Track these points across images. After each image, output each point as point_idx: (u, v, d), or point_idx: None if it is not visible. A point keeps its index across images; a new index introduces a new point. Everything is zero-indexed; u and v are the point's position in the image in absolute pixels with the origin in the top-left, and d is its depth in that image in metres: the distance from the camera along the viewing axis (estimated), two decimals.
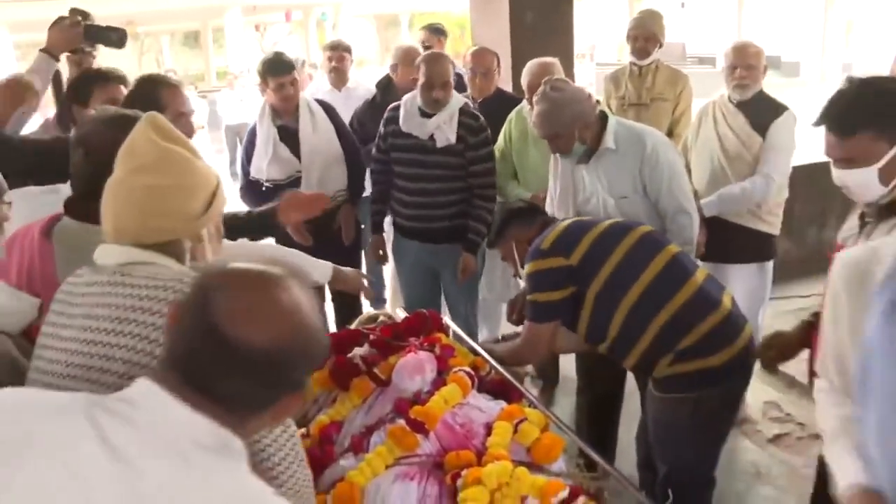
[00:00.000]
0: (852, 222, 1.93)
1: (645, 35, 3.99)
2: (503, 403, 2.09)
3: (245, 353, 0.99)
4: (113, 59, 3.32)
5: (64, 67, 3.01)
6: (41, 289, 1.68)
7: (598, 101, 2.80)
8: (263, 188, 3.64)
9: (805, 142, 3.26)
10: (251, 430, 1.10)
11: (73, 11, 2.87)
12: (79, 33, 2.83)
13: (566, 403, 3.60)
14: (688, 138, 3.58)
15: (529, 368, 3.83)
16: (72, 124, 2.75)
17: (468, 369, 2.17)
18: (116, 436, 0.95)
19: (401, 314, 2.66)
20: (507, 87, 4.18)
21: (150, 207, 1.34)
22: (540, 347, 2.41)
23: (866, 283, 1.35)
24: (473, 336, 3.24)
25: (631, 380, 2.81)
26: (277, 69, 3.51)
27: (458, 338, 2.50)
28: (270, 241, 3.66)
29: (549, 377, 3.88)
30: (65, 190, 1.82)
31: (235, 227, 2.15)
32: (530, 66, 3.48)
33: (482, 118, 3.40)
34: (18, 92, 2.65)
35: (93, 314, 1.30)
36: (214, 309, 0.99)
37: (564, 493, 1.71)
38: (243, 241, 2.34)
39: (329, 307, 3.83)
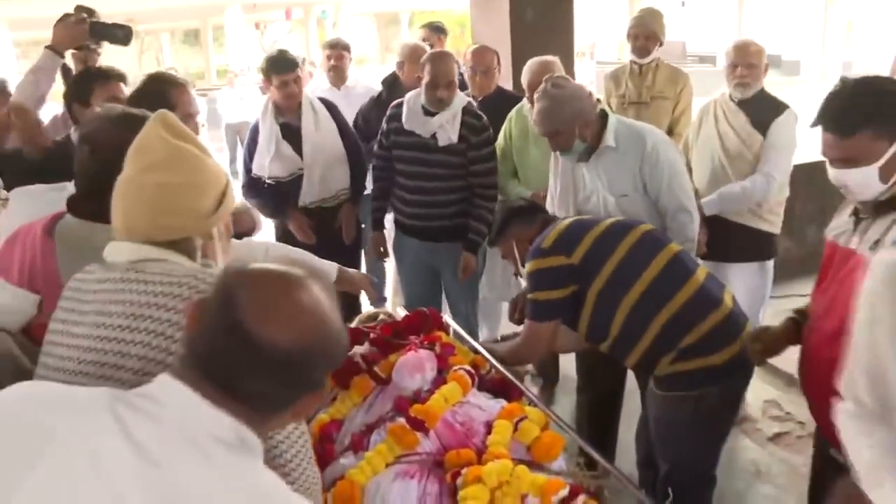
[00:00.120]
0: (843, 218, 1.93)
1: (645, 33, 3.99)
2: (503, 402, 2.09)
3: (268, 353, 0.99)
4: (113, 57, 3.32)
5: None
6: (43, 286, 1.68)
7: (598, 100, 2.79)
8: (265, 185, 3.64)
9: (806, 140, 3.26)
10: (270, 428, 1.12)
11: (79, 8, 2.87)
12: (84, 30, 2.83)
13: (566, 402, 3.60)
14: (689, 137, 3.58)
15: (529, 367, 3.83)
16: (73, 123, 2.75)
17: (468, 368, 2.17)
18: (139, 431, 0.96)
19: (400, 312, 2.67)
20: (508, 85, 4.18)
21: (160, 205, 1.34)
22: (540, 346, 2.41)
23: None
24: (474, 335, 3.24)
25: (631, 378, 2.81)
26: (281, 66, 3.52)
27: (458, 336, 2.50)
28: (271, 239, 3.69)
29: (549, 376, 3.88)
30: (71, 188, 1.82)
31: None
32: (531, 64, 3.48)
33: (485, 118, 3.40)
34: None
35: (106, 311, 1.30)
36: (239, 308, 1.00)
37: (565, 492, 1.71)
38: (248, 240, 2.35)
39: None
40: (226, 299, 1.01)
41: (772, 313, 3.66)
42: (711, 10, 24.01)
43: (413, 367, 2.08)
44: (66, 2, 2.96)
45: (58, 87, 2.88)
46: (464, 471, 1.75)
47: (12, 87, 3.22)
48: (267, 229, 3.85)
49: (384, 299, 4.60)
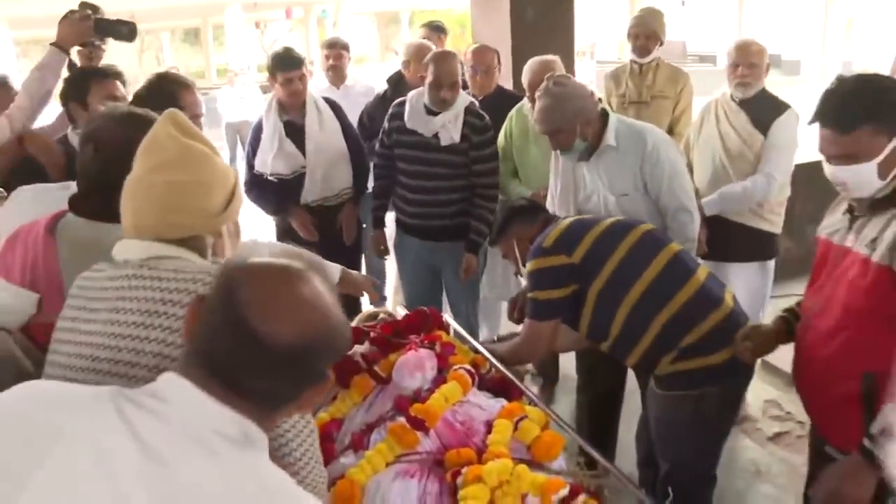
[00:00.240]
0: (836, 217, 1.93)
1: (646, 33, 3.99)
2: (503, 401, 2.09)
3: (272, 348, 0.99)
4: (113, 56, 3.32)
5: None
6: (44, 285, 1.67)
7: (599, 99, 2.79)
8: (268, 182, 3.64)
9: (806, 140, 3.26)
10: (275, 422, 1.12)
11: (83, 5, 2.87)
12: (89, 27, 2.82)
13: (566, 401, 3.60)
14: (690, 137, 3.58)
15: (529, 366, 3.83)
16: (70, 122, 2.75)
17: (468, 367, 2.17)
18: (145, 429, 0.96)
19: (401, 311, 2.67)
20: (508, 84, 4.18)
21: (170, 203, 1.34)
22: (540, 346, 2.41)
23: None
24: (474, 334, 3.24)
25: (631, 378, 2.81)
26: (286, 64, 3.52)
27: (458, 336, 2.50)
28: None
29: (549, 375, 3.88)
30: (75, 187, 1.82)
31: None
32: (531, 64, 3.48)
33: (487, 118, 3.40)
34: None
35: (119, 308, 1.30)
36: (241, 304, 1.00)
37: (565, 491, 1.71)
38: (254, 240, 2.36)
39: None
40: (227, 296, 1.01)
41: (772, 313, 3.64)
42: (712, 9, 24.01)
43: (413, 366, 2.08)
44: (66, 1, 2.96)
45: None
46: (464, 470, 1.75)
47: (13, 84, 3.24)
48: (268, 229, 3.87)
49: (384, 298, 4.60)
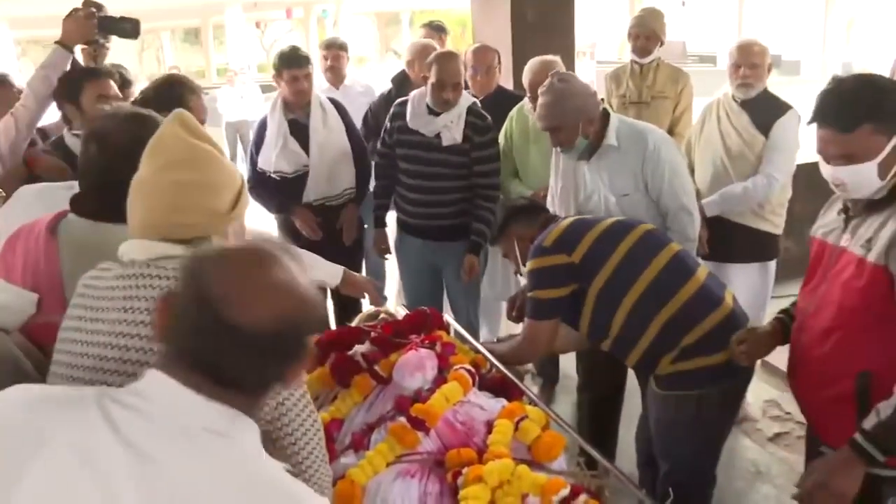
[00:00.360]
0: (831, 216, 1.92)
1: (646, 33, 3.99)
2: (504, 401, 2.09)
3: (249, 335, 0.99)
4: (112, 56, 3.32)
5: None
6: (45, 286, 1.67)
7: (602, 99, 2.80)
8: (271, 180, 3.64)
9: (808, 141, 3.26)
10: (263, 404, 1.12)
11: (87, 3, 2.87)
12: (93, 25, 2.83)
13: (566, 401, 3.61)
14: (691, 137, 3.58)
15: (530, 366, 3.84)
16: (65, 123, 2.75)
17: (469, 367, 2.17)
18: (131, 428, 0.96)
19: (401, 311, 2.67)
20: (508, 84, 4.18)
21: (177, 203, 1.34)
22: (540, 345, 2.41)
23: None
24: (475, 334, 3.24)
25: (632, 378, 2.81)
26: (293, 62, 3.53)
27: (459, 335, 2.51)
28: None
29: (549, 375, 3.88)
30: (77, 187, 1.82)
31: None
32: (532, 64, 3.47)
33: (489, 118, 3.40)
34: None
35: (126, 307, 1.31)
36: (213, 295, 0.99)
37: (566, 492, 1.72)
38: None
39: (329, 304, 3.84)
40: (197, 289, 1.01)
41: (773, 313, 3.65)
42: (712, 9, 24.00)
43: (414, 366, 2.08)
44: (67, 1, 2.96)
45: None
46: (464, 470, 1.76)
47: (14, 82, 3.23)
48: (269, 229, 3.86)
49: (385, 298, 4.60)
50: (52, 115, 2.85)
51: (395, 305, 3.61)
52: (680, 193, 2.72)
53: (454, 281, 3.57)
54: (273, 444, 1.33)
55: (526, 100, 3.52)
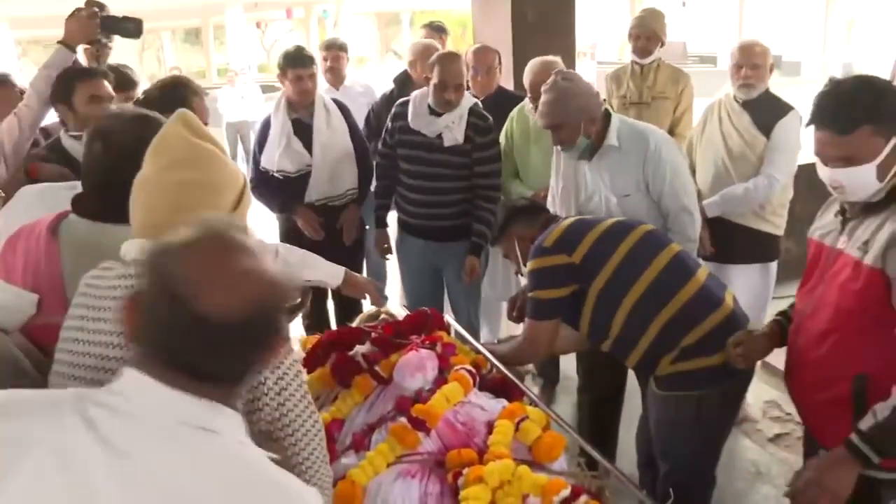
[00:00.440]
0: (828, 218, 1.92)
1: (646, 34, 3.99)
2: (504, 402, 2.09)
3: (222, 326, 0.98)
4: (113, 56, 3.33)
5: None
6: (46, 286, 1.67)
7: (604, 100, 2.80)
8: (274, 179, 3.64)
9: (809, 142, 3.25)
10: (243, 390, 1.10)
11: (90, 3, 2.87)
12: (96, 24, 2.83)
13: (566, 402, 3.61)
14: (693, 138, 3.58)
15: (530, 367, 3.84)
16: (61, 124, 2.74)
17: (469, 367, 2.17)
18: (107, 427, 0.95)
19: (402, 312, 2.67)
20: (509, 85, 4.18)
21: (180, 203, 1.34)
22: (540, 346, 2.41)
23: None
24: (475, 334, 3.24)
25: (632, 379, 2.81)
26: (298, 61, 3.54)
27: (459, 336, 2.51)
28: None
29: (549, 376, 3.88)
30: (80, 187, 1.81)
31: None
32: (532, 64, 3.48)
33: (490, 119, 3.40)
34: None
35: None
36: (181, 291, 0.97)
37: (566, 492, 1.72)
38: (260, 241, 2.35)
39: (330, 304, 3.84)
40: (164, 285, 0.99)
41: (773, 314, 3.66)
42: (712, 10, 23.99)
43: (414, 366, 2.08)
44: (67, 1, 2.96)
45: None
46: (465, 471, 1.76)
47: (15, 82, 3.24)
48: (271, 229, 3.86)
49: (386, 297, 4.60)
50: (54, 114, 2.85)
51: (399, 305, 3.61)
52: (681, 194, 2.72)
53: (455, 281, 3.57)
54: (273, 442, 1.33)
55: (526, 100, 3.52)
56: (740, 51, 3.31)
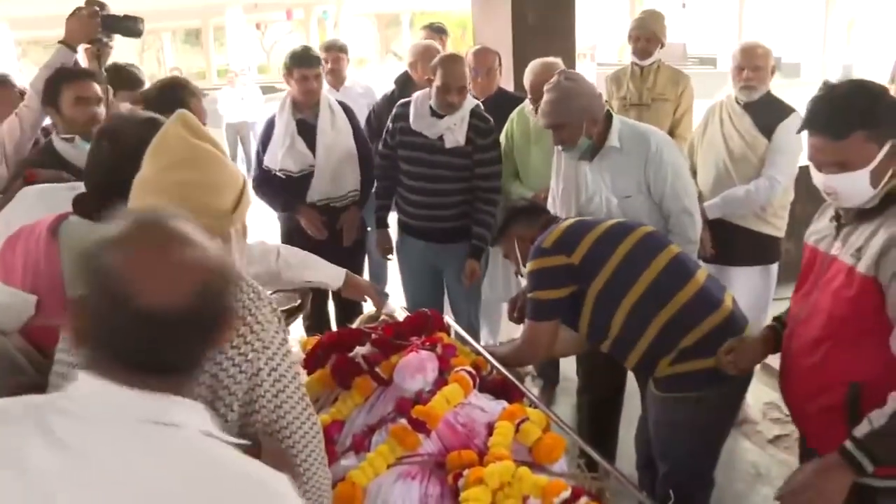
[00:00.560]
0: (823, 223, 1.91)
1: (646, 35, 3.99)
2: (504, 403, 2.09)
3: (171, 319, 0.96)
4: (112, 57, 3.33)
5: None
6: (46, 287, 1.66)
7: (606, 101, 2.80)
8: (277, 178, 3.65)
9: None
10: (199, 376, 1.10)
11: (90, 2, 2.87)
12: (97, 24, 2.83)
13: (566, 403, 3.60)
14: (694, 139, 3.58)
15: (530, 368, 3.84)
16: (54, 127, 2.73)
17: (470, 369, 2.17)
18: (63, 431, 0.94)
19: (401, 313, 2.67)
20: (509, 86, 4.18)
21: (179, 203, 1.33)
22: (540, 347, 2.41)
23: None
24: (475, 336, 3.24)
25: (632, 380, 2.81)
26: (303, 61, 3.55)
27: (459, 337, 2.51)
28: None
29: (549, 377, 3.88)
30: (81, 188, 1.81)
31: None
32: (533, 66, 3.48)
33: (491, 121, 3.40)
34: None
35: None
36: (122, 289, 0.95)
37: (567, 494, 1.72)
38: (262, 242, 2.36)
39: (330, 306, 3.84)
40: (102, 285, 0.97)
41: (773, 315, 3.66)
42: (712, 12, 24.00)
43: (414, 368, 2.08)
44: (67, 2, 2.96)
45: None
46: (465, 472, 1.76)
47: (15, 82, 3.24)
48: (272, 229, 3.86)
49: (386, 295, 4.59)
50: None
51: (400, 306, 3.61)
52: (682, 195, 2.72)
53: (455, 283, 3.57)
54: (271, 441, 1.33)
55: (527, 101, 3.52)
56: (742, 52, 3.31)
